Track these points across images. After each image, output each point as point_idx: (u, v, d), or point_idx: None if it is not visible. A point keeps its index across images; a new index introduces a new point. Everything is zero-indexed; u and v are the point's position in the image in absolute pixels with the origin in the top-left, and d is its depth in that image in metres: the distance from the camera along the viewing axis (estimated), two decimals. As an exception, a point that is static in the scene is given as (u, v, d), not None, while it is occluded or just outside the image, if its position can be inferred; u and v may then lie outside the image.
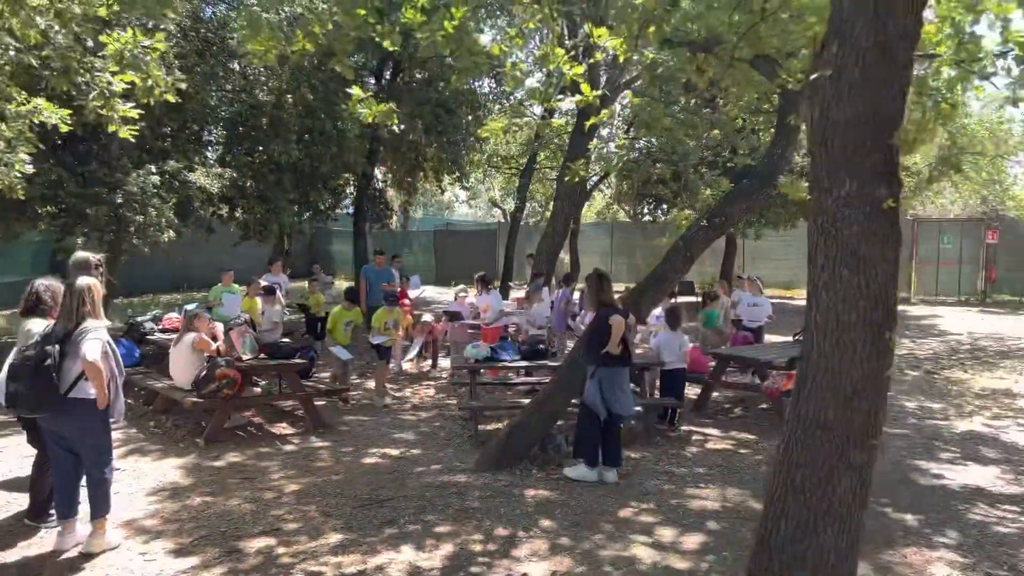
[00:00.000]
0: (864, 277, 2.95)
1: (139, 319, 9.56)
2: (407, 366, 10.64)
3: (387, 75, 17.28)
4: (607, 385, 5.94)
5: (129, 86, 5.37)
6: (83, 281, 4.65)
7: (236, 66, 12.41)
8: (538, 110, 21.54)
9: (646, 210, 22.46)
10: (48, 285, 5.07)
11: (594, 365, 6.02)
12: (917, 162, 12.78)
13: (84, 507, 4.75)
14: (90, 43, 5.80)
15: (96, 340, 4.41)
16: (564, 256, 19.79)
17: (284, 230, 15.03)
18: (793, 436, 3.06)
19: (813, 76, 3.09)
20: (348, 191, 18.74)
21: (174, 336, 8.70)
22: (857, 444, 2.95)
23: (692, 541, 4.82)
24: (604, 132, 21.06)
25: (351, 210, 19.90)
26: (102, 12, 5.05)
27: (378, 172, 19.68)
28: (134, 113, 5.72)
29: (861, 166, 2.97)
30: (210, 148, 13.54)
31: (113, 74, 5.26)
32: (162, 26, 6.73)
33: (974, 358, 12.02)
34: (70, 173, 10.35)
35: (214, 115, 12.76)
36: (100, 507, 4.64)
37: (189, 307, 9.61)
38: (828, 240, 3.02)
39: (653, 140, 15.35)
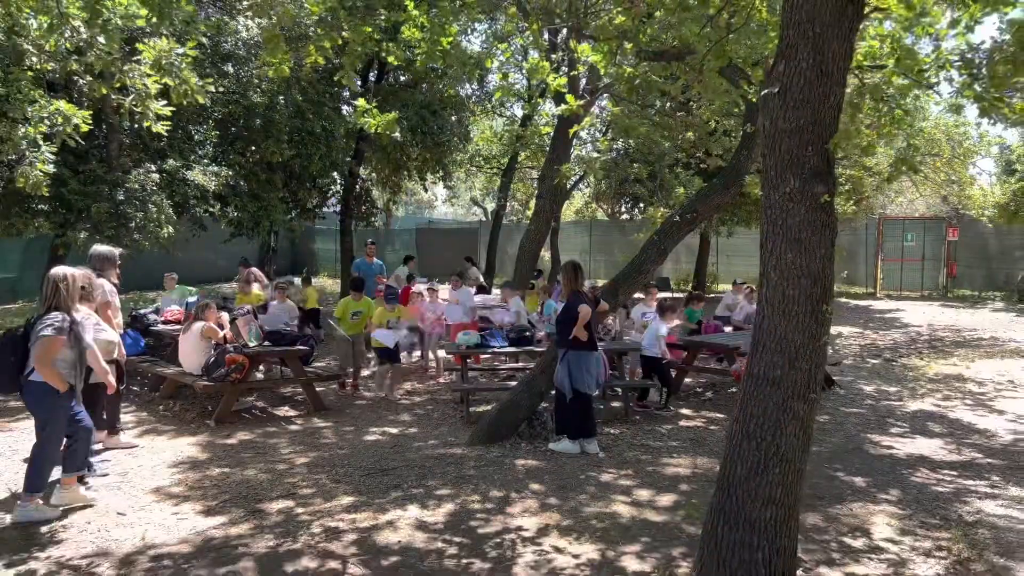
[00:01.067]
0: (805, 259, 3.55)
1: (142, 311, 9.99)
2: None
3: (372, 77, 17.75)
4: (574, 366, 6.54)
5: (162, 86, 5.93)
6: (58, 271, 5.10)
7: (229, 68, 12.83)
8: (518, 110, 22.12)
9: (624, 209, 23.14)
10: (85, 274, 5.57)
11: (564, 349, 6.62)
12: (880, 162, 13.56)
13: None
14: (127, 49, 6.27)
15: (45, 330, 4.82)
16: (545, 253, 20.36)
17: (274, 227, 15.46)
18: (747, 391, 3.66)
19: (763, 92, 3.70)
20: (334, 189, 19.19)
21: (175, 327, 9.20)
22: (799, 397, 3.55)
23: (666, 499, 5.43)
24: (584, 134, 21.68)
25: (336, 208, 20.35)
26: (141, 23, 5.56)
27: (362, 171, 20.12)
28: (167, 111, 6.26)
29: (803, 167, 3.58)
30: (202, 147, 13.93)
31: (147, 76, 5.78)
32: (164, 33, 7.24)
33: (931, 347, 12.79)
34: (71, 171, 10.76)
35: (207, 116, 13.17)
36: (32, 480, 4.99)
37: (191, 299, 10.07)
38: (776, 228, 3.62)
39: (631, 141, 15.98)
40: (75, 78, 7.26)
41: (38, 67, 6.33)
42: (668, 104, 13.80)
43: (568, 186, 20.15)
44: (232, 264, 20.44)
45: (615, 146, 19.32)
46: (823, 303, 3.57)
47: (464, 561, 4.34)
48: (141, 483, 5.73)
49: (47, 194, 7.13)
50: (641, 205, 20.59)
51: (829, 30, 3.57)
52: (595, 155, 12.97)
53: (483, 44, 18.64)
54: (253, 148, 13.34)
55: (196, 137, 14.16)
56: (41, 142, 6.66)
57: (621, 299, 7.59)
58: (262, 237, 17.57)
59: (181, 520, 4.97)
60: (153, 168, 11.31)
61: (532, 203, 20.32)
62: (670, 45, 7.07)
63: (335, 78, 5.72)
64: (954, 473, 6.17)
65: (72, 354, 5.02)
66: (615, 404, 8.26)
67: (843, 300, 19.72)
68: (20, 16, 5.91)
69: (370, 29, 5.44)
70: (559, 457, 6.45)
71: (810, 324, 3.55)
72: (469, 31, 16.97)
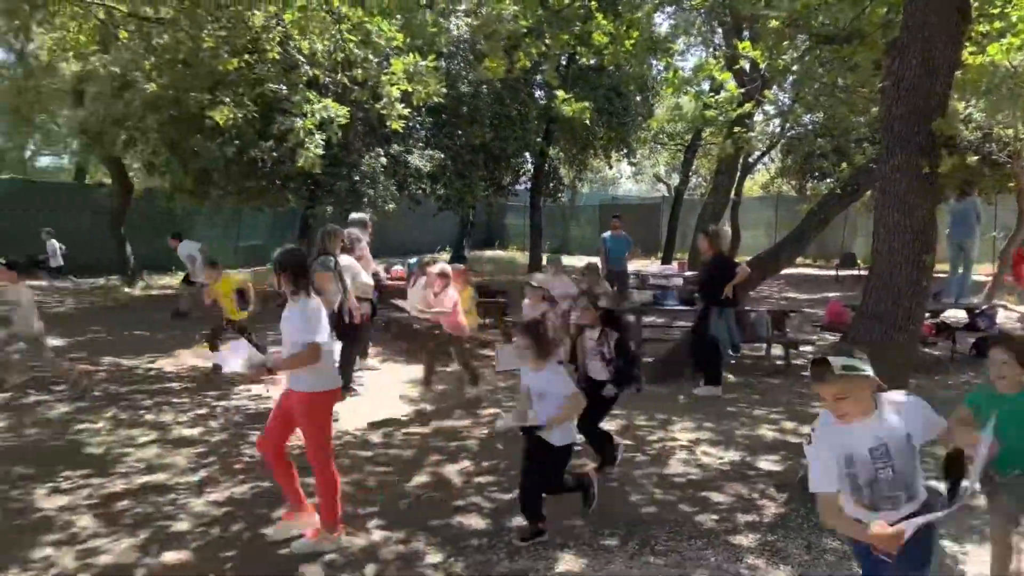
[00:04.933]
0: (908, 219, 4.45)
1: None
2: None
3: (563, 61, 19.17)
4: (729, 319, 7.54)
5: (402, 92, 7.80)
6: (325, 227, 7.13)
7: (442, 63, 14.80)
8: (706, 85, 22.59)
9: (810, 184, 22.91)
10: (349, 232, 7.55)
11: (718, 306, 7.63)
12: None
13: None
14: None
15: (317, 268, 6.56)
16: (727, 227, 20.84)
17: (474, 203, 17.46)
18: (855, 322, 4.63)
19: (880, 84, 4.61)
20: (525, 168, 20.93)
21: (400, 282, 11.23)
22: (898, 328, 4.48)
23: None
24: (770, 108, 21.74)
25: (527, 185, 22.14)
26: (398, 42, 7.40)
27: (552, 150, 21.70)
28: (406, 111, 8.13)
29: (910, 145, 4.47)
30: (418, 133, 16.09)
31: (392, 84, 7.65)
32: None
33: None
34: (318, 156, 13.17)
35: (422, 105, 15.26)
36: None
37: (411, 260, 12.12)
38: (885, 194, 4.55)
39: (818, 116, 16.10)
40: (336, 85, 9.29)
41: (311, 74, 8.36)
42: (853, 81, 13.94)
43: (752, 161, 20.51)
44: (437, 238, 22.96)
45: (802, 121, 19.33)
46: (924, 254, 4.46)
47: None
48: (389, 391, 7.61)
49: (321, 172, 9.25)
50: (827, 180, 20.44)
51: (937, 34, 4.42)
52: (768, 133, 13.35)
53: (669, 26, 19.40)
54: (459, 132, 15.27)
55: (412, 124, 16.36)
56: (315, 132, 8.76)
57: (783, 264, 8.45)
58: (464, 212, 19.69)
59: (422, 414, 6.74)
60: (381, 153, 13.51)
61: (714, 178, 20.83)
62: (840, 30, 7.76)
63: (538, 78, 7.02)
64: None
65: (335, 287, 6.89)
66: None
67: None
68: (301, 40, 7.93)
69: (567, 37, 6.79)
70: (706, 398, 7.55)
71: (910, 270, 4.46)
72: (655, 14, 17.83)
